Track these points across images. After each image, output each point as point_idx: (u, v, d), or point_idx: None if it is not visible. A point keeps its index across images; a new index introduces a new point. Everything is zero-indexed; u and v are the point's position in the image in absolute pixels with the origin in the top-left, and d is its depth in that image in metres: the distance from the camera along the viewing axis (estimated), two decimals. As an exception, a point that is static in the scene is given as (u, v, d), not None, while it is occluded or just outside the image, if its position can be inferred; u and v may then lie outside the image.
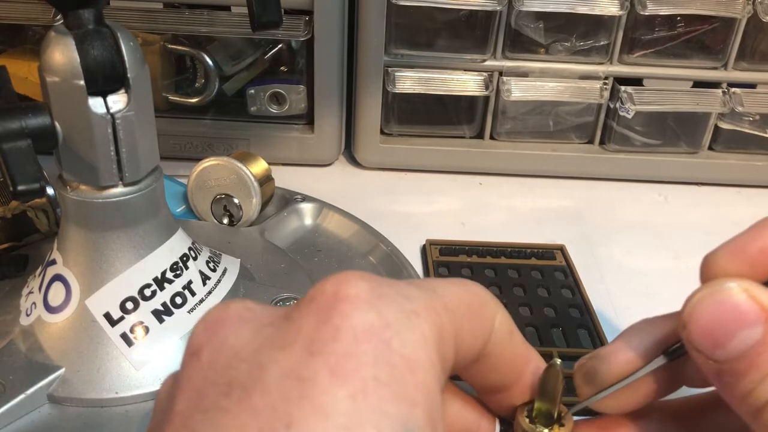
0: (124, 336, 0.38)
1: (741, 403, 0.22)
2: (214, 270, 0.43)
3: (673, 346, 0.24)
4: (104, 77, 0.35)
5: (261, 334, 0.21)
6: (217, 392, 0.19)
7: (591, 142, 0.68)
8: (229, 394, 0.19)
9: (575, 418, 0.27)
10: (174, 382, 0.22)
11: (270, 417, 0.18)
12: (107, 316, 0.38)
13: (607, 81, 0.64)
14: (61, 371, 0.38)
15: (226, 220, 0.54)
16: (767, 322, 0.21)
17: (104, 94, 0.35)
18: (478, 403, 0.27)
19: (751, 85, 0.65)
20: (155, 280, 0.39)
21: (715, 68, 0.65)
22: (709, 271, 0.24)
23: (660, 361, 0.24)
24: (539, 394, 0.26)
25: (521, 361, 0.25)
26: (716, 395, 0.23)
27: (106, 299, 0.38)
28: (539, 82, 0.64)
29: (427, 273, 0.53)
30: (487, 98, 0.65)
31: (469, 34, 0.63)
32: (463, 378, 0.25)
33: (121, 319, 0.38)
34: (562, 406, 0.26)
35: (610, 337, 0.47)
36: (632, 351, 0.24)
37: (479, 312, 0.23)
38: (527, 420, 0.26)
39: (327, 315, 0.20)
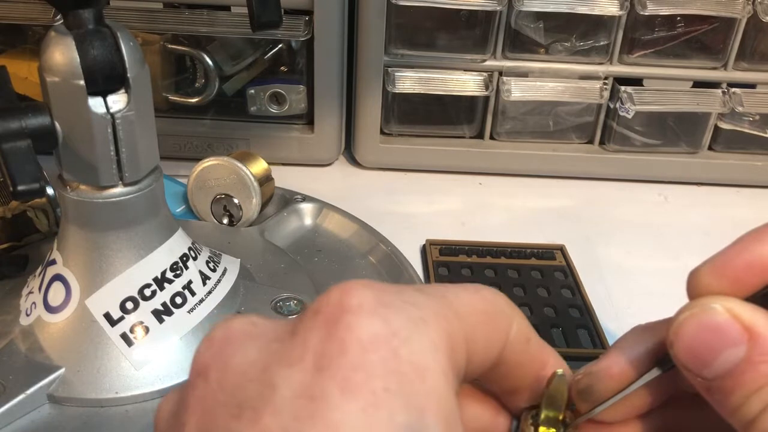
0: (124, 336, 0.38)
1: (732, 416, 0.22)
2: (214, 270, 0.43)
3: (666, 357, 0.24)
4: (104, 77, 0.35)
5: (267, 351, 0.20)
6: (227, 414, 0.19)
7: (591, 142, 0.68)
8: (239, 417, 0.19)
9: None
10: (180, 401, 0.21)
11: None
12: (107, 316, 0.38)
13: (607, 81, 0.65)
14: (61, 371, 0.38)
15: (226, 220, 0.54)
16: (750, 341, 0.21)
17: (104, 94, 0.35)
18: (494, 401, 0.27)
19: (751, 85, 0.65)
20: (155, 280, 0.39)
21: (715, 68, 0.65)
22: (693, 289, 0.24)
23: (654, 373, 0.24)
24: (545, 402, 0.26)
25: (538, 366, 0.25)
26: None
27: (106, 299, 0.38)
28: (539, 82, 0.64)
29: (427, 273, 0.53)
30: (487, 98, 0.65)
31: (469, 34, 0.63)
32: (480, 381, 0.25)
33: (121, 319, 0.38)
34: (567, 412, 0.26)
35: (609, 337, 0.47)
36: (626, 365, 0.25)
37: (493, 320, 0.23)
38: (532, 427, 0.26)
39: (332, 328, 0.20)
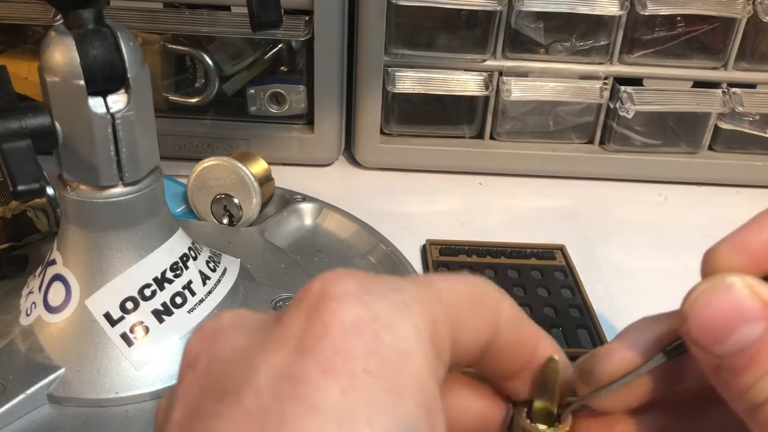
0: (124, 336, 0.38)
1: (738, 399, 0.21)
2: (214, 270, 0.43)
3: (672, 344, 0.24)
4: (104, 77, 0.35)
5: (253, 339, 0.21)
6: (212, 399, 0.20)
7: (591, 142, 0.68)
8: (222, 399, 0.19)
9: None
10: (171, 393, 0.22)
11: (263, 418, 0.18)
12: (107, 316, 0.38)
13: (607, 81, 0.64)
14: (61, 371, 0.38)
15: (226, 220, 0.54)
16: None
17: (104, 94, 0.35)
18: (488, 391, 0.27)
19: (751, 85, 0.65)
20: (155, 280, 0.39)
21: (715, 68, 0.65)
22: (710, 267, 0.23)
23: (659, 359, 0.24)
24: (538, 391, 0.25)
25: (530, 347, 0.25)
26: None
27: (106, 299, 0.38)
28: (539, 82, 0.64)
29: (427, 273, 0.53)
30: (487, 98, 0.65)
31: (469, 34, 0.63)
32: (474, 368, 0.25)
33: (121, 319, 0.38)
34: (561, 403, 0.26)
35: (609, 337, 0.47)
36: (630, 349, 0.24)
37: (480, 305, 0.23)
38: (527, 419, 0.26)
39: (315, 313, 0.20)
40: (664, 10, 0.60)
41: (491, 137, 0.68)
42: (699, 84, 0.65)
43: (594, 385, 0.25)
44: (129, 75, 0.35)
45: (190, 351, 0.22)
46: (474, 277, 0.23)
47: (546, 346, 0.25)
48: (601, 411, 0.25)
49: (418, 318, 0.20)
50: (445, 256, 0.54)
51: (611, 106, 0.66)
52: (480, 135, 0.68)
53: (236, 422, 0.18)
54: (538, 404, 0.26)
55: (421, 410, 0.19)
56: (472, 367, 0.25)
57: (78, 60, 0.34)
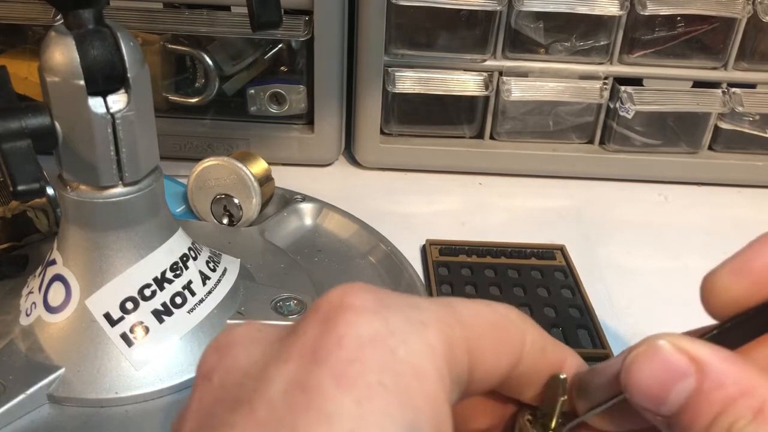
0: (124, 336, 0.38)
1: None
2: (214, 270, 0.43)
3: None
4: (104, 77, 0.35)
5: (267, 350, 0.21)
6: (224, 409, 0.20)
7: (591, 142, 0.68)
8: (235, 410, 0.19)
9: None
10: (185, 407, 0.22)
11: (275, 428, 0.18)
12: (107, 316, 0.38)
13: (607, 81, 0.64)
14: (61, 371, 0.38)
15: (226, 220, 0.54)
16: (698, 372, 0.21)
17: (104, 94, 0.35)
18: (495, 400, 0.27)
19: (751, 85, 0.65)
20: (155, 280, 0.39)
21: (715, 68, 0.65)
22: (710, 292, 0.23)
23: None
24: (543, 405, 0.25)
25: (556, 369, 0.25)
26: None
27: (106, 299, 0.38)
28: (539, 82, 0.64)
29: (427, 273, 0.53)
30: (487, 98, 0.65)
31: (469, 34, 0.63)
32: (500, 391, 0.25)
33: (121, 319, 0.38)
34: (561, 419, 0.26)
35: (609, 337, 0.47)
36: None
37: (504, 333, 0.23)
38: (528, 423, 0.26)
39: (331, 324, 0.20)
40: (664, 10, 0.60)
41: (491, 137, 0.68)
42: (699, 84, 0.65)
43: (589, 401, 0.24)
44: (129, 75, 0.35)
45: (204, 363, 0.22)
46: (499, 304, 0.23)
47: (568, 369, 0.25)
48: (603, 430, 0.25)
49: (433, 337, 0.20)
50: (445, 256, 0.54)
51: (611, 106, 0.66)
52: (480, 135, 0.68)
53: None
54: (542, 411, 0.26)
55: (433, 429, 0.19)
56: (498, 391, 0.25)
57: (78, 60, 0.34)
